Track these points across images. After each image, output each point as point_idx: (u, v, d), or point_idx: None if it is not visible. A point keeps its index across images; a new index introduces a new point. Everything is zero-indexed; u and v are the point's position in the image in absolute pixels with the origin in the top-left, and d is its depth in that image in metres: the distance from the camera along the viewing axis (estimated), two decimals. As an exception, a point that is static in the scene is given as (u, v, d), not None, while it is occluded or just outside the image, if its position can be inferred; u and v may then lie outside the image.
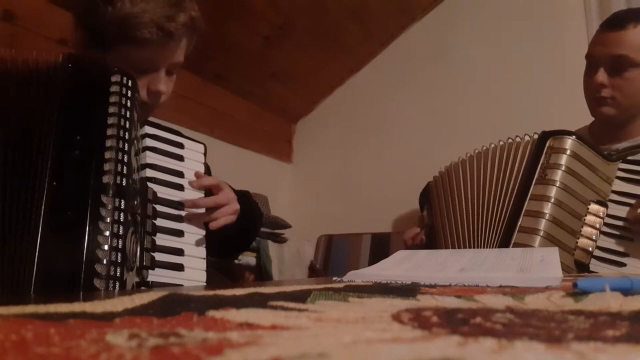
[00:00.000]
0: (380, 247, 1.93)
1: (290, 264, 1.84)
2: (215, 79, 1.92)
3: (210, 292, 0.39)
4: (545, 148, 1.03)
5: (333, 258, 2.04)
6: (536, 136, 1.08)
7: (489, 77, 1.95)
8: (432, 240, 1.25)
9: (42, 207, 0.56)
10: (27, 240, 0.54)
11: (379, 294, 0.39)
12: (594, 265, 0.96)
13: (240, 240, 0.97)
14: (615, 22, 1.11)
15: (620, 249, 0.97)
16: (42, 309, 0.27)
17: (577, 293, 0.37)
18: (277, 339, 0.20)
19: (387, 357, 0.17)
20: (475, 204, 1.11)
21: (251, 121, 2.17)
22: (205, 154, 0.82)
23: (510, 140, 1.14)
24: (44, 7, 1.35)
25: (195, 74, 1.83)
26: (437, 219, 1.24)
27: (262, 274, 1.73)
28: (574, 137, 1.02)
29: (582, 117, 1.39)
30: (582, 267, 0.96)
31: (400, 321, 0.25)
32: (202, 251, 0.74)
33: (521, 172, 1.06)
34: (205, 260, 0.74)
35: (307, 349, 0.18)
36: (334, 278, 0.61)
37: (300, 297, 0.36)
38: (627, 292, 0.38)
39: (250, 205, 0.92)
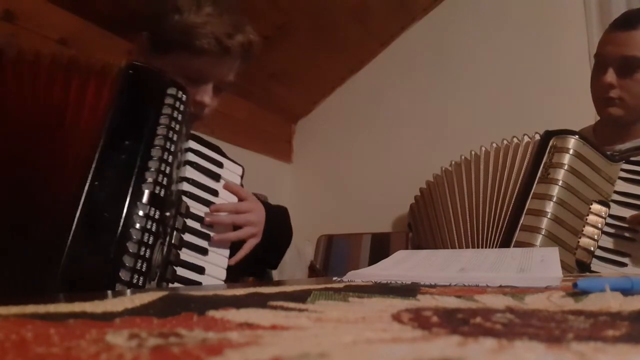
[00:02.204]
0: (380, 247, 1.93)
1: (290, 264, 1.84)
2: (215, 79, 1.92)
3: (210, 292, 0.39)
4: (549, 147, 1.03)
5: (333, 258, 2.04)
6: (537, 137, 1.08)
7: (489, 77, 1.95)
8: None
9: (80, 205, 0.55)
10: (59, 234, 0.54)
11: (379, 294, 0.39)
12: (595, 265, 0.96)
13: (259, 262, 0.94)
14: (627, 22, 1.09)
15: (622, 249, 0.97)
16: (42, 309, 0.27)
17: (577, 293, 0.37)
18: (277, 339, 0.20)
19: (387, 357, 0.17)
20: (475, 205, 1.11)
21: (251, 121, 2.17)
22: (242, 176, 0.82)
23: (506, 142, 1.14)
24: (44, 7, 1.35)
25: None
26: (425, 234, 1.24)
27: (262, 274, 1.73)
28: (577, 136, 1.02)
29: (582, 118, 1.40)
30: (584, 267, 0.96)
31: (400, 321, 0.25)
32: (222, 273, 0.74)
33: (522, 171, 1.06)
34: (223, 282, 0.74)
35: (307, 349, 0.18)
36: (334, 278, 0.61)
37: (300, 297, 0.36)
38: (627, 292, 0.38)
39: (276, 225, 0.90)
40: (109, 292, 0.53)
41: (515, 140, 1.13)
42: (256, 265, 0.90)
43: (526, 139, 1.11)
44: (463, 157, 1.21)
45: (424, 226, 1.26)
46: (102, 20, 1.41)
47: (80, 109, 0.61)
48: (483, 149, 1.18)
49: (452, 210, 1.15)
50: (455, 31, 2.04)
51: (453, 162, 1.24)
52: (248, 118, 2.15)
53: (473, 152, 1.19)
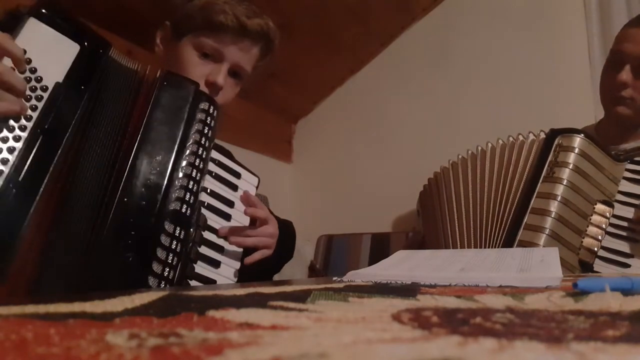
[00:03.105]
0: (380, 247, 1.93)
1: (290, 264, 1.83)
2: (215, 79, 1.92)
3: (210, 292, 0.39)
4: (554, 146, 1.02)
5: (333, 258, 2.04)
6: (542, 135, 1.08)
7: (489, 77, 1.95)
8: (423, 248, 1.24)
9: (109, 221, 0.55)
10: (86, 250, 0.53)
11: (379, 294, 0.39)
12: (598, 265, 0.96)
13: (264, 272, 0.95)
14: None
15: (625, 249, 0.97)
16: (42, 309, 0.27)
17: (577, 293, 0.37)
18: (277, 339, 0.20)
19: (387, 357, 0.17)
20: (479, 201, 1.10)
21: (251, 121, 2.17)
22: (257, 186, 0.81)
23: (511, 139, 1.13)
24: (44, 7, 1.35)
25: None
26: (431, 225, 1.23)
27: (262, 274, 1.73)
28: (582, 135, 1.01)
29: (581, 118, 1.39)
30: (587, 267, 0.96)
31: (400, 321, 0.25)
32: None
33: (527, 169, 1.05)
34: None
35: (307, 349, 0.18)
36: (334, 278, 0.61)
37: (300, 297, 0.36)
38: (627, 292, 0.38)
39: (285, 239, 0.90)
40: (109, 292, 0.53)
41: (520, 137, 1.12)
42: (258, 276, 0.91)
43: (531, 136, 1.10)
44: (470, 152, 1.20)
45: (430, 217, 1.24)
46: (102, 20, 1.41)
47: (123, 120, 0.61)
48: (489, 144, 1.17)
49: (456, 206, 1.14)
50: (455, 31, 2.04)
51: (460, 156, 1.23)
52: (248, 118, 2.15)
53: (479, 147, 1.18)
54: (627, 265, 0.95)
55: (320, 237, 2.11)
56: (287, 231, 0.92)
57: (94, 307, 0.28)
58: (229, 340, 0.19)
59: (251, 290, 0.41)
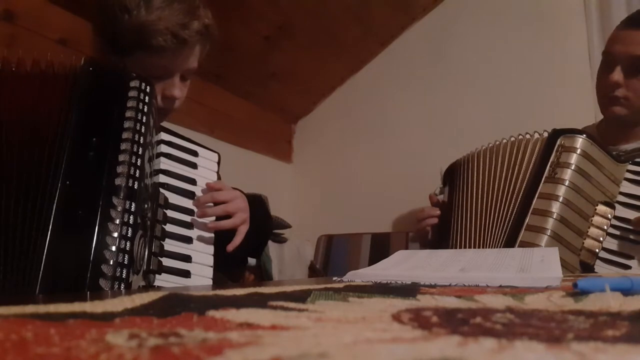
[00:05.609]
0: (380, 247, 1.93)
1: (290, 264, 1.83)
2: (215, 79, 1.92)
3: (210, 292, 0.39)
4: (556, 146, 1.02)
5: (333, 258, 2.04)
6: (546, 134, 1.07)
7: (489, 77, 1.95)
8: (445, 218, 1.19)
9: (54, 206, 0.56)
10: (36, 237, 0.55)
11: (379, 294, 0.39)
12: (599, 266, 0.95)
13: (248, 249, 0.96)
14: (637, 21, 1.08)
15: (626, 251, 0.96)
16: (42, 309, 0.27)
17: (577, 293, 0.37)
18: (277, 339, 0.20)
19: (387, 357, 0.17)
20: (484, 199, 1.09)
21: (251, 121, 2.17)
22: (219, 162, 0.82)
23: (520, 137, 1.12)
24: (43, 7, 1.35)
25: (195, 74, 1.82)
26: (455, 202, 1.19)
27: (262, 274, 1.73)
28: (584, 136, 1.00)
29: (583, 118, 1.39)
30: (587, 268, 0.95)
31: (400, 321, 0.25)
32: (209, 259, 0.75)
33: (530, 169, 1.05)
34: (212, 268, 0.75)
35: (307, 349, 0.18)
36: (334, 278, 0.61)
37: (300, 297, 0.36)
38: (627, 292, 0.38)
39: (261, 212, 0.91)
40: (109, 292, 0.53)
41: (527, 136, 1.11)
42: (242, 253, 0.91)
43: (536, 135, 1.10)
44: (482, 148, 1.19)
45: (458, 194, 1.20)
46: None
47: (49, 113, 0.61)
48: (504, 140, 1.16)
49: (469, 200, 1.13)
50: (455, 31, 2.04)
51: (483, 147, 1.20)
52: (248, 118, 2.15)
53: (497, 142, 1.17)
54: (627, 267, 0.95)
55: (320, 237, 2.11)
56: (257, 206, 0.93)
57: (94, 307, 0.28)
58: (229, 340, 0.19)
59: (251, 290, 0.41)
